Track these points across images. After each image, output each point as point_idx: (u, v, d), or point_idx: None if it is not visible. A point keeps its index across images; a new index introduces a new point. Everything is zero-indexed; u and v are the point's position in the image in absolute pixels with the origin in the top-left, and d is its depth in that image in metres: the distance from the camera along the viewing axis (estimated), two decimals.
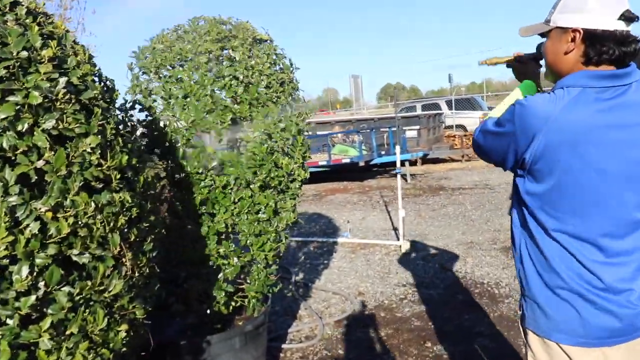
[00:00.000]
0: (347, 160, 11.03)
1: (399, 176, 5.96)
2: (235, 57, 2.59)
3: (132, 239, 1.65)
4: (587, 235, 1.40)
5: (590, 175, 1.35)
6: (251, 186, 2.52)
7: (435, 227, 6.95)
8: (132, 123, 1.99)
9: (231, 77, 2.54)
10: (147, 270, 1.77)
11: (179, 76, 2.51)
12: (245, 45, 2.64)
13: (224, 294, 2.56)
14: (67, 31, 1.74)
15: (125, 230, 1.64)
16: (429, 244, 6.04)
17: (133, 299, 1.69)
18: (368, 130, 11.62)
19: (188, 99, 2.41)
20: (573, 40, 1.39)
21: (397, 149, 6.17)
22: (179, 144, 2.40)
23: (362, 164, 10.79)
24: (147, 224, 1.77)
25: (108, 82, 1.85)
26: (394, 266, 5.31)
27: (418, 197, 9.31)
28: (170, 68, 2.57)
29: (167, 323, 2.63)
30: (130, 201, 1.63)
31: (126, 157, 1.64)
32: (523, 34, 1.58)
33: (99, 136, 1.55)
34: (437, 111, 16.40)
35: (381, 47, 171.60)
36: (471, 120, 18.94)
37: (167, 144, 2.40)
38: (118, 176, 1.60)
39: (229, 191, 2.49)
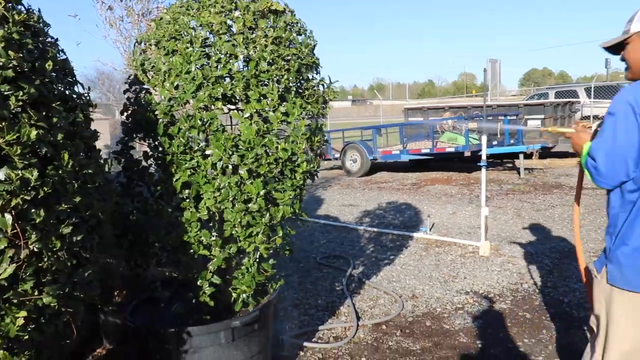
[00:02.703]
0: (452, 150, 10.27)
1: (483, 169, 5.30)
2: (233, 30, 2.36)
3: (37, 221, 1.53)
4: None
5: None
6: (240, 172, 2.30)
7: (533, 230, 6.12)
8: (86, 97, 1.86)
9: (227, 53, 2.32)
10: (66, 256, 1.64)
11: (172, 50, 2.35)
12: (247, 15, 2.40)
13: (208, 285, 2.40)
14: None
15: (33, 210, 1.53)
16: (517, 249, 5.31)
17: (42, 284, 1.58)
18: (479, 118, 10.68)
19: (170, 74, 2.25)
20: None
21: (484, 139, 5.48)
22: (160, 121, 2.25)
23: (467, 154, 9.95)
24: (69, 206, 1.64)
25: (48, 50, 1.74)
26: (464, 270, 4.75)
27: (525, 195, 8.34)
28: (169, 41, 2.42)
29: (152, 309, 2.55)
30: (36, 179, 1.51)
31: (35, 132, 1.52)
32: (604, 46, 2.00)
33: None
34: (570, 99, 14.55)
35: (528, 29, 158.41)
36: None
37: (150, 121, 2.27)
38: (18, 151, 1.48)
39: (215, 176, 2.30)
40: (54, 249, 1.61)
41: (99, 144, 2.18)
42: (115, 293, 2.95)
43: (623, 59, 1.93)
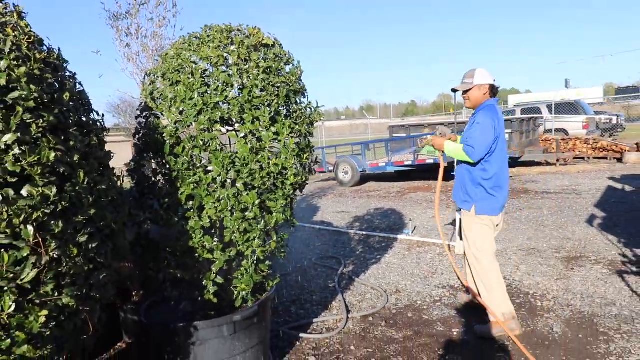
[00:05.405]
0: (431, 161, 10.30)
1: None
2: (229, 62, 2.40)
3: (57, 231, 1.54)
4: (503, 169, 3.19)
5: (503, 143, 3.16)
6: (237, 185, 2.32)
7: (501, 230, 6.12)
8: (100, 122, 1.89)
9: (224, 82, 2.35)
10: (83, 261, 1.66)
11: (176, 80, 2.39)
12: (242, 49, 2.44)
13: (212, 285, 2.40)
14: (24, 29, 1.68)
15: (52, 222, 1.55)
16: None
17: (62, 287, 1.60)
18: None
19: (175, 101, 2.28)
20: (486, 88, 3.22)
21: None
22: (167, 142, 2.28)
23: (445, 164, 9.96)
24: (85, 217, 1.66)
25: (67, 83, 1.77)
26: (442, 267, 4.76)
27: None
28: (173, 73, 2.46)
29: (163, 307, 2.55)
30: (54, 195, 1.53)
31: (54, 154, 1.54)
32: (457, 89, 3.31)
33: (18, 134, 1.46)
34: (535, 115, 14.67)
35: (500, 53, 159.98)
36: (574, 124, 16.72)
37: (158, 142, 2.30)
38: (39, 171, 1.50)
39: (215, 189, 2.32)
40: (72, 256, 1.62)
41: (120, 163, 2.21)
42: (133, 293, 2.96)
43: (466, 96, 3.27)
